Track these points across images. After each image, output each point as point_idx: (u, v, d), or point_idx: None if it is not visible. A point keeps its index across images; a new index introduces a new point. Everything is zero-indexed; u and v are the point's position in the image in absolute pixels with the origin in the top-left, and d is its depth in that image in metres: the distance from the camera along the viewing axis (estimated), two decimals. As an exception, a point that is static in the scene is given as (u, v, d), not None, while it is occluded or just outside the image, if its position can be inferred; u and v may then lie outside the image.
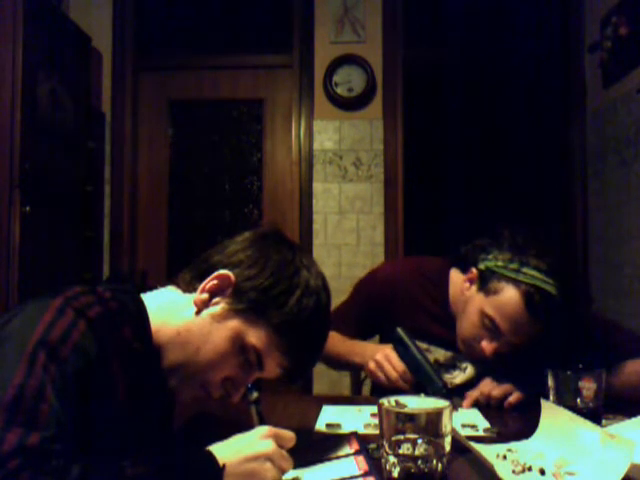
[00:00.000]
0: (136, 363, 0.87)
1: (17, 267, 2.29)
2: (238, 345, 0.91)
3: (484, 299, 1.36)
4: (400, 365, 1.33)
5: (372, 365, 1.37)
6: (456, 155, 3.80)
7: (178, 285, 0.98)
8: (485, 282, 1.37)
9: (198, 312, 0.92)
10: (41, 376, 0.73)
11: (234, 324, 0.91)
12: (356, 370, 1.67)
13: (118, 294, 0.91)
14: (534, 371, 1.23)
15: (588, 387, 1.07)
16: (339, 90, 3.10)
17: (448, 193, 3.76)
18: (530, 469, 0.91)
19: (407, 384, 1.33)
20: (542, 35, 3.38)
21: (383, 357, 1.36)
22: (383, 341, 1.57)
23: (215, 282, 0.92)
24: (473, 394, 1.35)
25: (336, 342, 1.62)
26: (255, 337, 0.91)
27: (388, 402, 0.86)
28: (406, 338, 1.34)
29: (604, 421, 1.10)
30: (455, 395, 1.32)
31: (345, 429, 1.17)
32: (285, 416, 1.36)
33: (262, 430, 0.86)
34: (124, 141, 3.19)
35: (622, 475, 0.81)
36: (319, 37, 3.14)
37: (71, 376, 0.75)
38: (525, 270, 1.31)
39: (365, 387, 1.93)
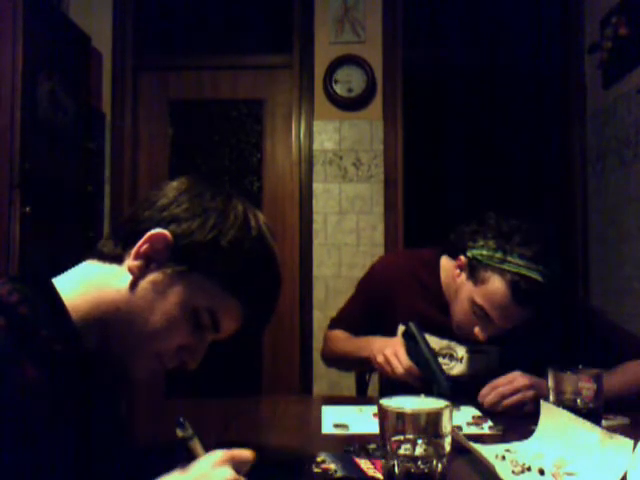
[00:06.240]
0: (63, 369, 0.75)
1: (17, 267, 2.29)
2: (189, 310, 0.81)
3: (473, 288, 1.38)
4: (407, 361, 1.34)
5: (380, 359, 1.38)
6: (456, 155, 3.80)
7: (99, 257, 0.84)
8: (473, 271, 1.39)
9: (135, 282, 0.80)
10: None
11: (180, 289, 0.81)
12: (364, 365, 1.66)
13: (27, 291, 0.76)
14: (538, 368, 1.24)
15: (588, 387, 1.07)
16: (339, 90, 3.10)
17: (448, 193, 3.77)
18: (529, 469, 0.91)
19: (413, 379, 1.33)
20: (542, 35, 3.38)
21: (391, 352, 1.37)
22: (387, 334, 1.59)
23: (149, 244, 0.80)
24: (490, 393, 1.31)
25: (343, 341, 1.65)
26: (205, 299, 0.81)
27: (388, 402, 0.86)
28: (417, 334, 1.35)
29: (604, 421, 1.11)
30: (455, 389, 1.32)
31: (353, 430, 1.17)
32: (286, 417, 1.36)
33: (215, 456, 0.74)
34: (124, 141, 3.19)
35: (622, 475, 0.82)
36: (319, 37, 3.14)
37: None
38: (510, 259, 1.32)
39: (369, 387, 1.93)
